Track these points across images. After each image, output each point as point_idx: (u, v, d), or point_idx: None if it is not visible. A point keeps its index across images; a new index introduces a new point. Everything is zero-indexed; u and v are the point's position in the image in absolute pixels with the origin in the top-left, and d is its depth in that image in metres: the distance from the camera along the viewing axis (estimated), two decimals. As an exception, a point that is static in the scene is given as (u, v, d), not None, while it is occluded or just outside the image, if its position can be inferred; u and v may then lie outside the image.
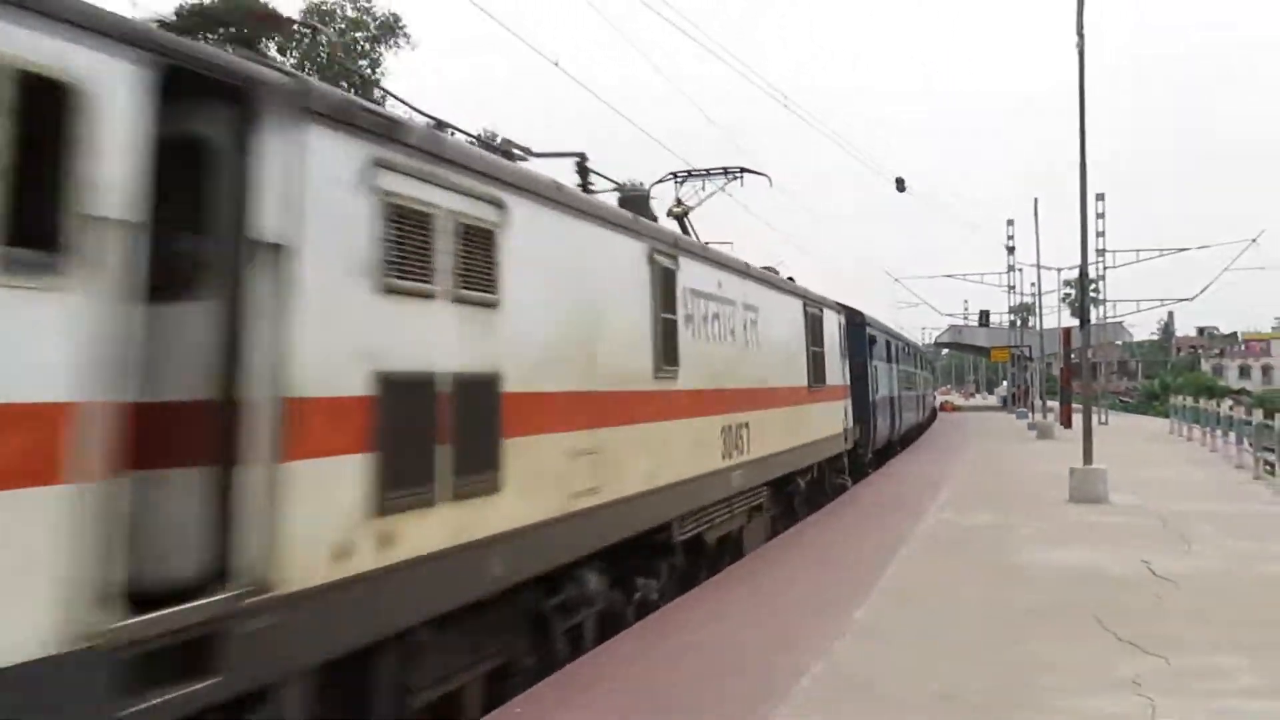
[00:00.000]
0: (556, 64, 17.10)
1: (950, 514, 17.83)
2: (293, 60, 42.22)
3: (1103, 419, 47.54)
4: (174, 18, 5.72)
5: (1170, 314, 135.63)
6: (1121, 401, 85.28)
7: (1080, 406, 24.35)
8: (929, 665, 8.46)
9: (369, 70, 47.20)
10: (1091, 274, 33.54)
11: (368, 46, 47.71)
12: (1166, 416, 48.53)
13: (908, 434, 38.68)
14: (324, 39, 44.39)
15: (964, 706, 7.43)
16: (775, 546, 14.94)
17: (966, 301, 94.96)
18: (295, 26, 45.01)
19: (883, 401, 29.88)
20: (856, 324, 26.81)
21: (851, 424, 23.25)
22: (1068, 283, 64.62)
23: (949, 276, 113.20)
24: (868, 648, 9.03)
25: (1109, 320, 59.65)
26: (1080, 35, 22.65)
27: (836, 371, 21.02)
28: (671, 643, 9.28)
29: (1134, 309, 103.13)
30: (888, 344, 32.82)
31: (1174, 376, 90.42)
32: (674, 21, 22.72)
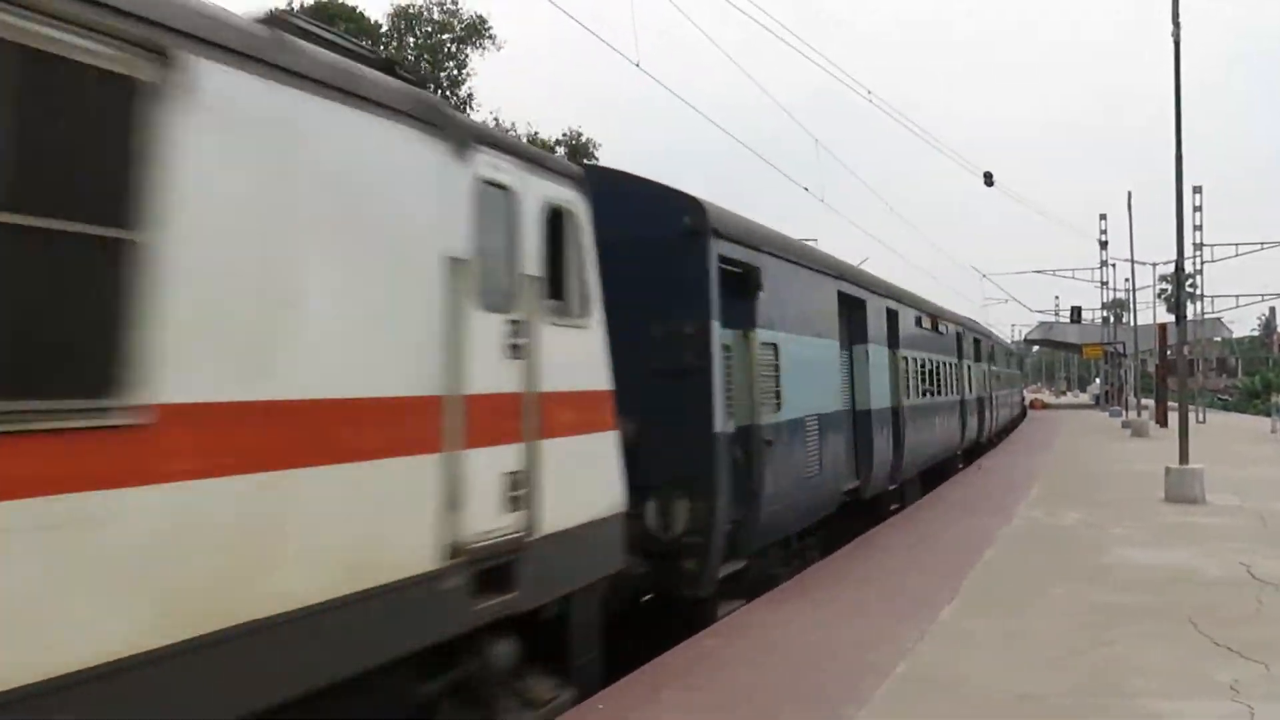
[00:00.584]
0: (638, 65, 17.05)
1: (1039, 512, 17.48)
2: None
3: (1200, 417, 46.27)
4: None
5: (1272, 309, 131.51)
6: (1220, 399, 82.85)
7: (1176, 404, 23.70)
8: (1013, 666, 8.28)
9: (455, 71, 47.71)
10: (1188, 268, 32.72)
11: (454, 48, 48.22)
12: (1267, 415, 47.01)
13: (998, 432, 38.22)
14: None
15: (1047, 708, 7.26)
16: (859, 546, 14.76)
17: (1058, 297, 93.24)
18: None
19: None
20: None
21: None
22: (1163, 278, 62.93)
23: (1039, 272, 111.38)
24: (951, 648, 8.86)
25: (1207, 316, 58.05)
26: (1176, 25, 22.07)
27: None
28: (752, 641, 9.20)
29: (1233, 304, 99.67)
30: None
31: (1276, 374, 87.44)
32: (757, 19, 22.51)
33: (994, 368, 36.52)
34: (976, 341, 32.48)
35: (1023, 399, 65.24)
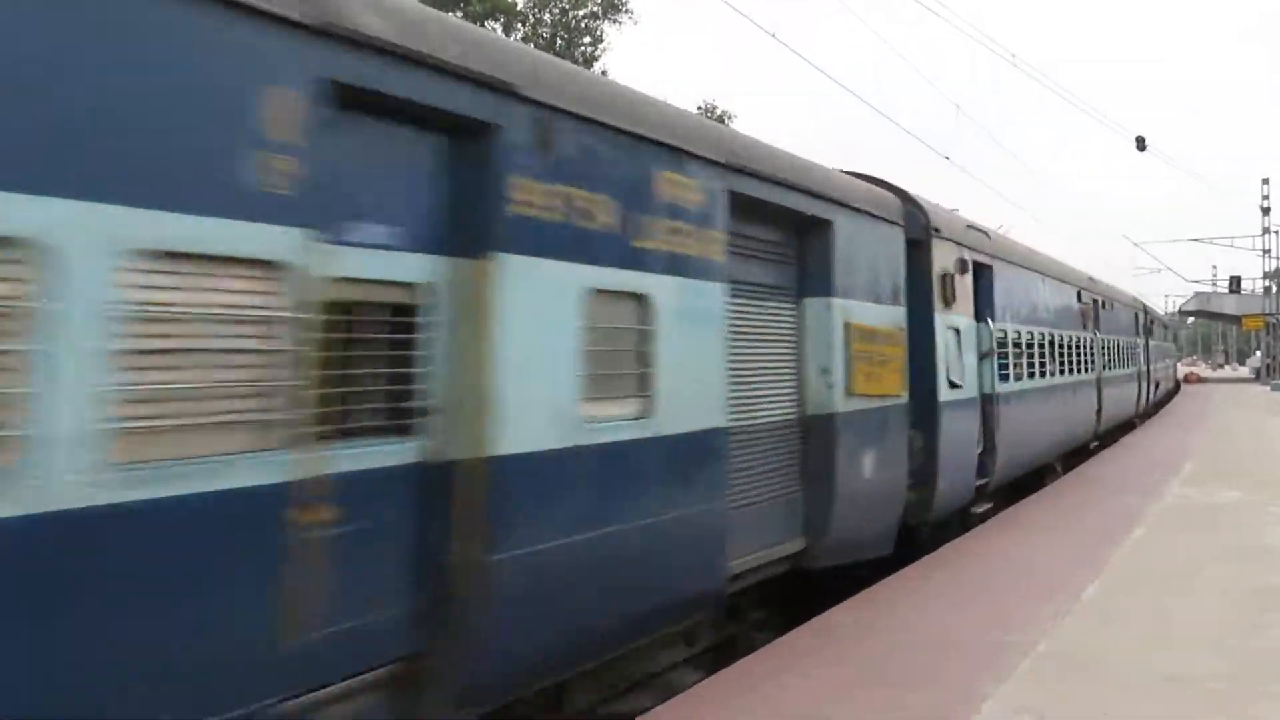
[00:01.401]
0: (774, 35, 16.92)
1: (1192, 490, 16.85)
2: (517, 37, 43.36)
3: (1370, 392, 43.90)
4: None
5: None
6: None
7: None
8: (1159, 647, 8.04)
9: (591, 47, 48.06)
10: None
11: (589, 23, 48.58)
12: None
13: (1154, 406, 37.43)
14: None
15: (1197, 691, 7.02)
16: (999, 522, 14.47)
17: (1215, 266, 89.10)
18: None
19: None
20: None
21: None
22: (1331, 245, 59.76)
23: (1195, 240, 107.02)
24: (1094, 627, 8.64)
25: (1379, 284, 54.99)
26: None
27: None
28: (886, 619, 9.12)
29: None
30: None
31: None
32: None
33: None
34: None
35: (1175, 373, 62.90)
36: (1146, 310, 39.25)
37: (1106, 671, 7.47)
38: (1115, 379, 26.93)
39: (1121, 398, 28.18)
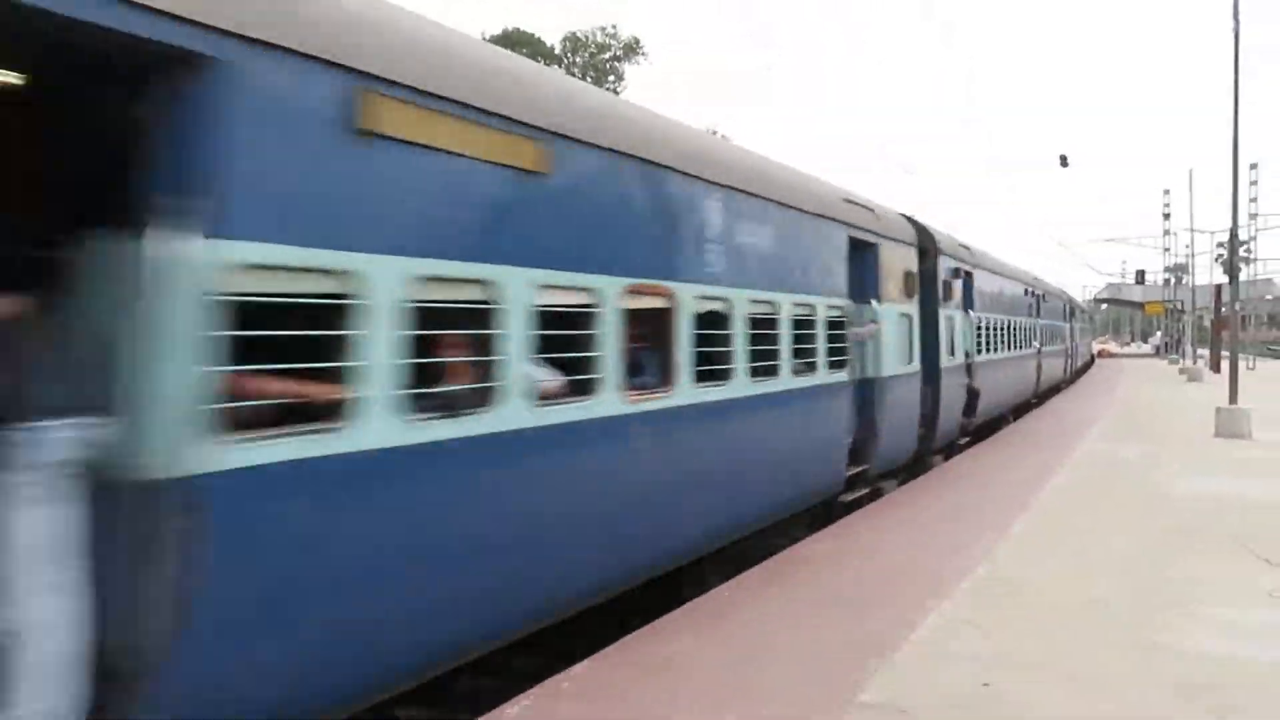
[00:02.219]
0: (769, 68, 16.82)
1: (1102, 445, 16.83)
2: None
3: (1250, 365, 43.69)
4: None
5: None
6: (1270, 350, 78.10)
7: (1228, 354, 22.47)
8: (1081, 575, 8.05)
9: (614, 84, 47.78)
10: (1244, 235, 30.82)
11: (613, 64, 48.29)
12: (1313, 364, 44.12)
13: (1076, 374, 37.83)
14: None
15: (1114, 610, 7.05)
16: (945, 469, 14.48)
17: (1124, 262, 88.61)
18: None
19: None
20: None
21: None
22: (1220, 244, 59.41)
23: (1109, 240, 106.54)
24: (1023, 558, 8.66)
25: (1259, 278, 54.68)
26: (1236, 20, 20.66)
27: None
28: (852, 547, 9.15)
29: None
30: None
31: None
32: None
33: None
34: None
35: (1092, 349, 62.74)
36: (1071, 300, 42.77)
37: (1035, 593, 7.49)
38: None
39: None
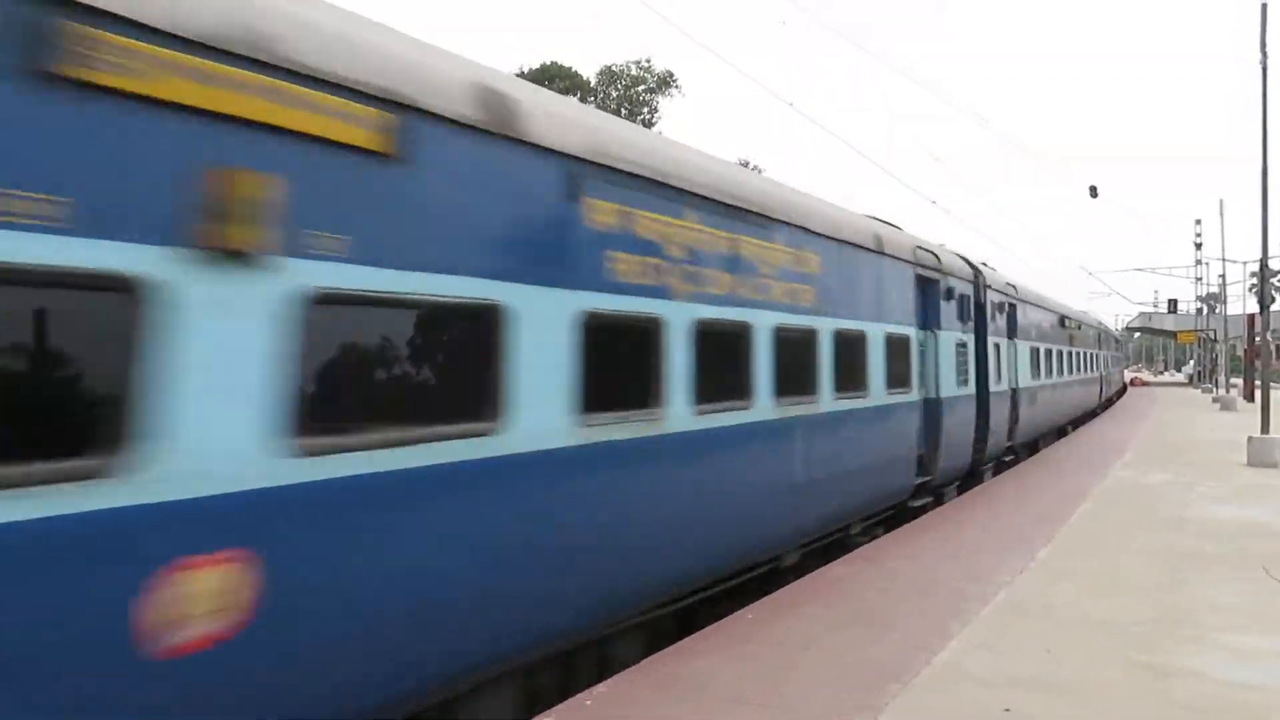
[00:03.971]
0: (791, 104, 16.89)
1: (1131, 473, 16.57)
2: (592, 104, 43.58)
3: (1285, 394, 42.71)
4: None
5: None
6: (1305, 379, 76.25)
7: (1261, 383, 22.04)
8: (1096, 598, 7.95)
9: (648, 116, 48.10)
10: (1276, 265, 30.34)
11: (647, 96, 48.64)
12: (1349, 392, 43.04)
13: (1107, 401, 37.14)
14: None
15: (1131, 634, 6.96)
16: (970, 497, 14.34)
17: (1156, 291, 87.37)
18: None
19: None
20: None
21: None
22: (1253, 274, 58.32)
23: (1139, 270, 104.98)
24: (1046, 581, 8.57)
25: (1293, 306, 53.53)
26: (1264, 53, 20.44)
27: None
28: (876, 570, 9.11)
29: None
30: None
31: (1359, 357, 79.86)
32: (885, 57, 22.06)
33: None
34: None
35: (1123, 377, 61.70)
36: (1104, 329, 42.01)
37: (1054, 617, 7.42)
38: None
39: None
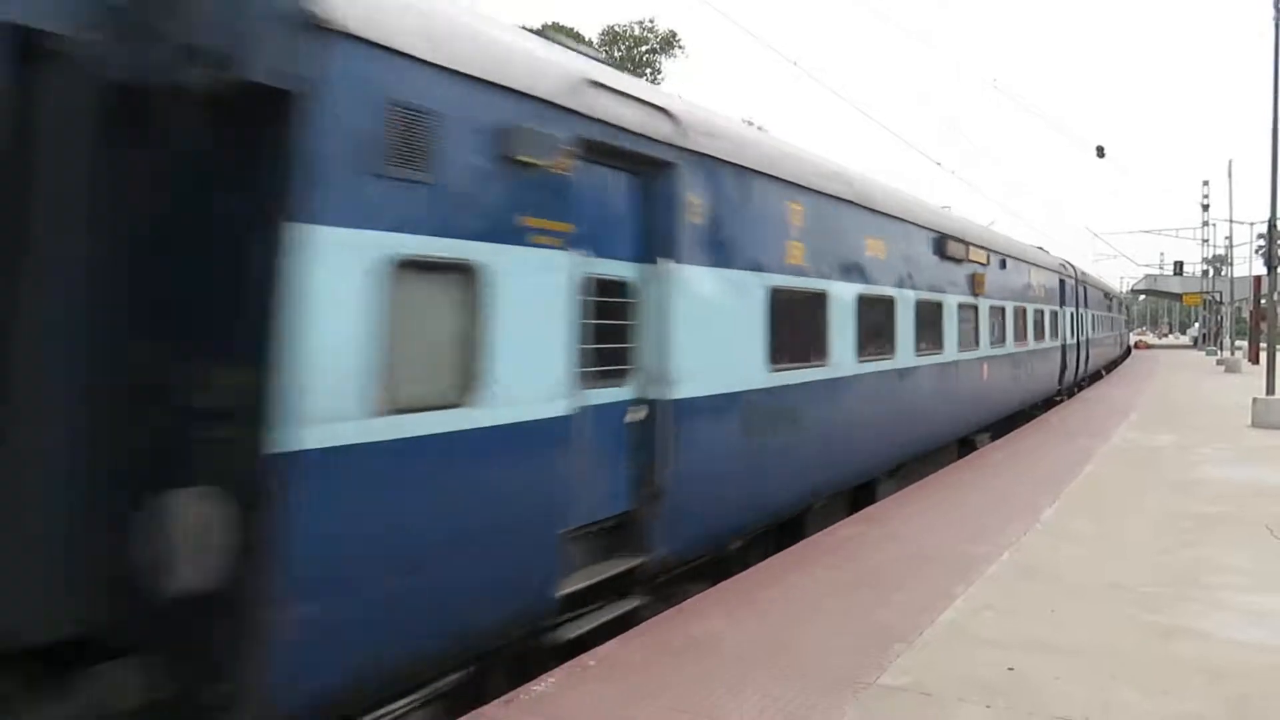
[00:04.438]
0: (795, 63, 16.63)
1: (1136, 434, 16.51)
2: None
3: (1290, 356, 42.53)
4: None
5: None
6: (1311, 341, 75.85)
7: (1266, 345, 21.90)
8: (1105, 560, 7.92)
9: (652, 76, 47.58)
10: (1282, 227, 30.10)
11: (650, 57, 48.08)
12: (1354, 355, 42.81)
13: (1106, 367, 36.82)
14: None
15: (1135, 594, 6.93)
16: (975, 458, 14.29)
17: (1162, 253, 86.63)
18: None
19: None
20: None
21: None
22: (1260, 235, 57.88)
23: (1146, 232, 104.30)
24: (1051, 543, 8.53)
25: (1300, 268, 53.14)
26: (1278, 9, 20.04)
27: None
28: (880, 531, 9.07)
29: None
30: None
31: (1365, 319, 79.42)
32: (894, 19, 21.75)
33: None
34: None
35: (1128, 340, 61.51)
36: (1119, 296, 51.91)
37: (1059, 578, 7.39)
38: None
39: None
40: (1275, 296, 22.34)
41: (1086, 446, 14.75)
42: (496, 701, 5.01)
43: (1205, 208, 57.44)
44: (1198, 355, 55.11)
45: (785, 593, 6.97)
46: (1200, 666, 5.49)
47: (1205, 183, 58.15)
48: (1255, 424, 17.27)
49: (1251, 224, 48.75)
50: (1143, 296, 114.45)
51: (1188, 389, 28.34)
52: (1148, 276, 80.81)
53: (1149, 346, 74.89)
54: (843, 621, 6.32)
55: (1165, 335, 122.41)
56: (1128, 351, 55.51)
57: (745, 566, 7.78)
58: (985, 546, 8.31)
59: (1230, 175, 46.94)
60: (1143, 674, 5.39)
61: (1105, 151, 34.41)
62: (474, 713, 4.89)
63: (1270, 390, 18.10)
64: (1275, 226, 21.40)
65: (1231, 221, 49.48)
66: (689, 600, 6.77)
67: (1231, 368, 37.07)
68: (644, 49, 47.24)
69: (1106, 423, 18.33)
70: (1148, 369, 39.90)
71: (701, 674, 5.37)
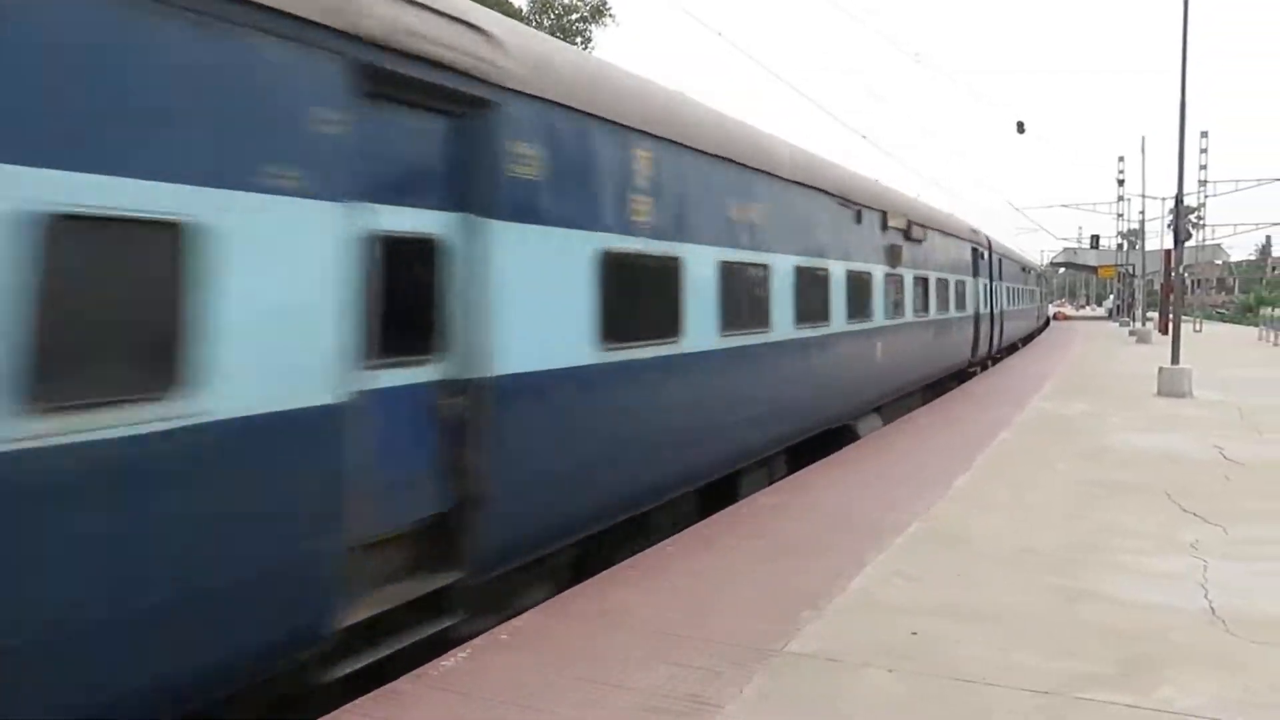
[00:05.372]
0: (720, 34, 16.54)
1: (1050, 404, 16.96)
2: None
3: (1197, 327, 44.18)
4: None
5: (1268, 237, 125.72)
6: (1218, 313, 78.97)
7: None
8: (1015, 526, 8.11)
9: (582, 46, 47.04)
10: (1193, 202, 31.12)
11: (581, 26, 47.50)
12: (1256, 326, 44.64)
13: (1023, 339, 37.77)
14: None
15: (1042, 559, 7.11)
16: (894, 428, 14.53)
17: (1080, 227, 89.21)
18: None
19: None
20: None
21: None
22: (1170, 210, 59.89)
23: (1064, 206, 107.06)
24: (963, 510, 8.72)
25: (1208, 243, 55.12)
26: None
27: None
28: (801, 500, 9.17)
29: (1231, 232, 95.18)
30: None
31: (1268, 291, 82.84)
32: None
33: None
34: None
35: (1046, 311, 63.24)
36: (1038, 271, 53.97)
37: (968, 544, 7.55)
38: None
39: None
40: (1182, 270, 23.13)
41: (1002, 416, 15.11)
42: (405, 676, 4.94)
43: (1121, 183, 59.22)
44: (1112, 326, 56.90)
45: (701, 562, 7.00)
46: (1100, 628, 5.65)
47: (1121, 159, 60.16)
48: (1161, 392, 17.87)
49: (1163, 199, 50.36)
50: (1062, 269, 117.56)
51: (1101, 359, 29.22)
52: (1066, 250, 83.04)
53: (1067, 318, 77.13)
54: (756, 590, 6.37)
55: (1083, 307, 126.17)
56: (1046, 323, 57.05)
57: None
58: (899, 514, 8.45)
59: (1144, 152, 48.30)
60: (1045, 636, 5.53)
61: (1026, 127, 35.09)
62: (384, 688, 4.82)
63: (1175, 360, 18.73)
64: (1181, 201, 22.13)
65: (1144, 197, 51.05)
66: (605, 572, 6.76)
67: (1143, 338, 38.29)
68: (574, 17, 46.67)
69: (1023, 392, 18.80)
70: (1065, 339, 41.03)
71: (614, 644, 5.37)
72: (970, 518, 8.40)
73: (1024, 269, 39.00)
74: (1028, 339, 39.99)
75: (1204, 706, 4.55)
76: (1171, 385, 17.83)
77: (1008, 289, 30.53)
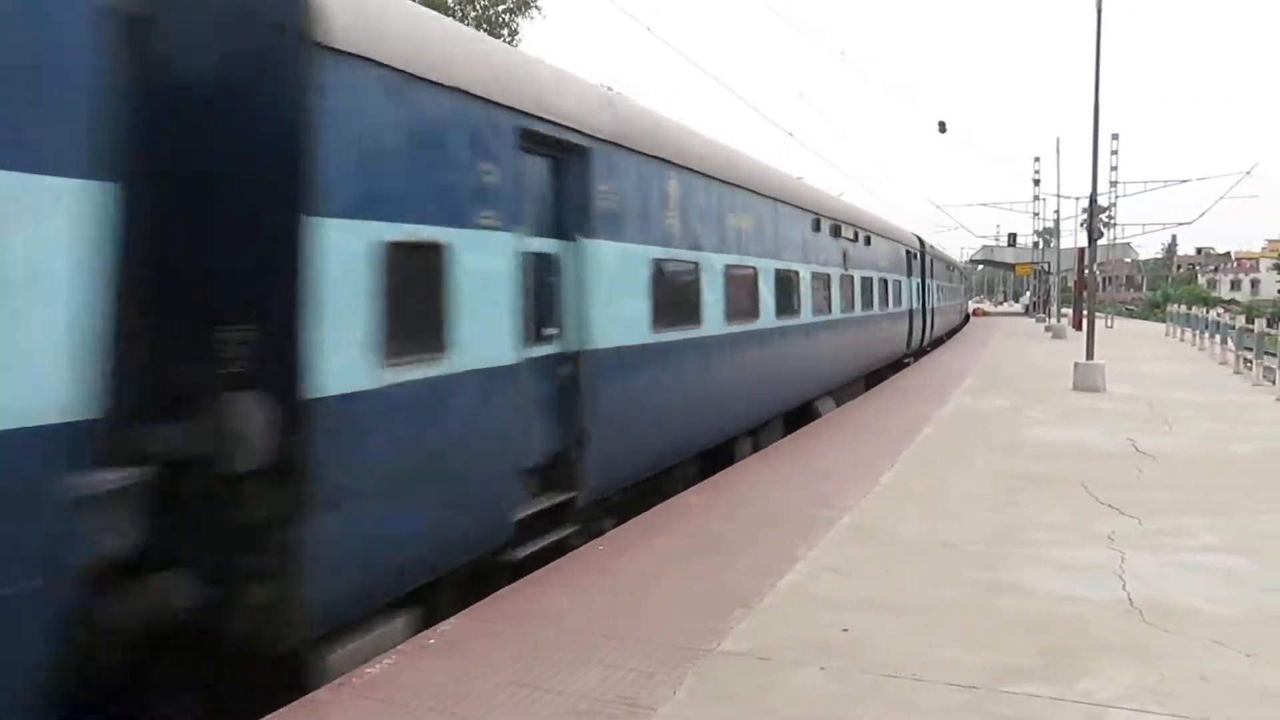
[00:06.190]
0: (649, 29, 16.50)
1: (970, 399, 17.34)
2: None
3: (1108, 323, 45.71)
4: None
5: (1174, 236, 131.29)
6: (1127, 310, 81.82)
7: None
8: (938, 520, 8.26)
9: (509, 38, 46.56)
10: (1104, 202, 32.19)
11: (507, 18, 47.04)
12: (1163, 322, 46.39)
13: (947, 334, 38.84)
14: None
15: (963, 553, 7.25)
16: (820, 424, 14.71)
17: (998, 225, 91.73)
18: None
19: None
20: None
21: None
22: (1084, 209, 61.73)
23: (983, 205, 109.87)
24: (889, 505, 8.84)
25: (1119, 241, 57.03)
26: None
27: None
28: (728, 497, 9.20)
29: (1140, 231, 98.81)
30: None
31: (1174, 288, 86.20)
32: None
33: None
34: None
35: (967, 308, 64.82)
36: (958, 266, 56.80)
37: (894, 539, 7.66)
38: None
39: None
40: (1094, 267, 23.87)
41: (925, 412, 15.39)
42: (328, 685, 4.80)
43: (1037, 182, 60.76)
44: (1029, 322, 58.50)
45: (631, 563, 6.97)
46: (1020, 620, 5.78)
47: (1037, 159, 61.83)
48: (1076, 387, 18.41)
49: (1078, 198, 51.96)
50: (981, 266, 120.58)
51: (1018, 354, 30.02)
52: (985, 247, 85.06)
53: (986, 314, 79.01)
54: (689, 588, 6.36)
55: (1000, 303, 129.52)
56: (967, 318, 58.44)
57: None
58: (828, 510, 8.53)
59: (1059, 152, 49.73)
60: (968, 629, 5.63)
61: (947, 126, 35.84)
62: (304, 698, 4.68)
63: (1089, 355, 19.31)
64: (1095, 201, 22.81)
65: (1059, 196, 52.58)
66: (535, 573, 6.68)
67: (1058, 334, 39.46)
68: (500, 8, 46.16)
69: (944, 387, 19.19)
70: (984, 335, 42.07)
71: (545, 646, 5.30)
72: (896, 512, 8.53)
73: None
74: (952, 333, 41.75)
75: (1123, 697, 4.68)
76: (1086, 380, 18.38)
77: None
